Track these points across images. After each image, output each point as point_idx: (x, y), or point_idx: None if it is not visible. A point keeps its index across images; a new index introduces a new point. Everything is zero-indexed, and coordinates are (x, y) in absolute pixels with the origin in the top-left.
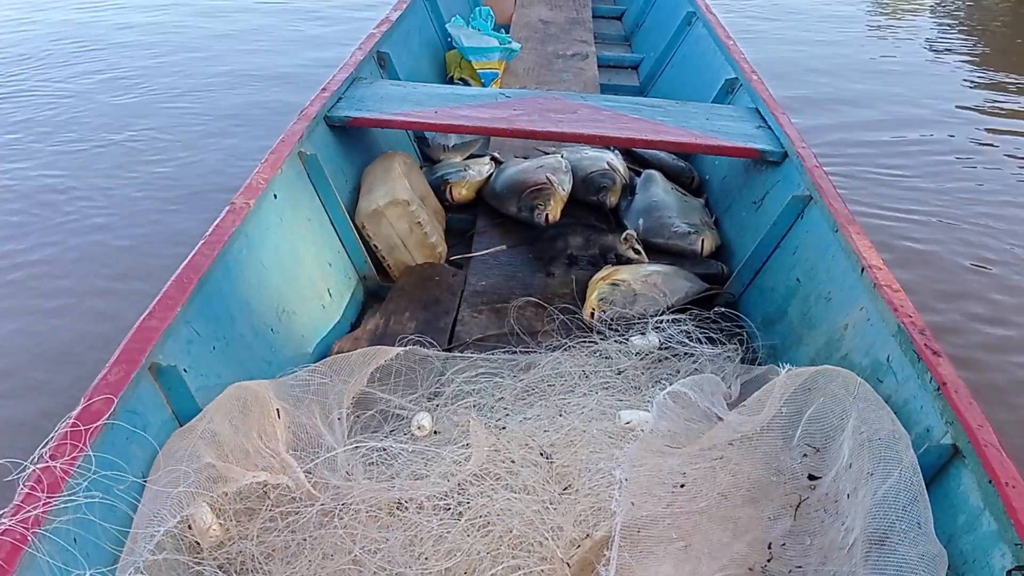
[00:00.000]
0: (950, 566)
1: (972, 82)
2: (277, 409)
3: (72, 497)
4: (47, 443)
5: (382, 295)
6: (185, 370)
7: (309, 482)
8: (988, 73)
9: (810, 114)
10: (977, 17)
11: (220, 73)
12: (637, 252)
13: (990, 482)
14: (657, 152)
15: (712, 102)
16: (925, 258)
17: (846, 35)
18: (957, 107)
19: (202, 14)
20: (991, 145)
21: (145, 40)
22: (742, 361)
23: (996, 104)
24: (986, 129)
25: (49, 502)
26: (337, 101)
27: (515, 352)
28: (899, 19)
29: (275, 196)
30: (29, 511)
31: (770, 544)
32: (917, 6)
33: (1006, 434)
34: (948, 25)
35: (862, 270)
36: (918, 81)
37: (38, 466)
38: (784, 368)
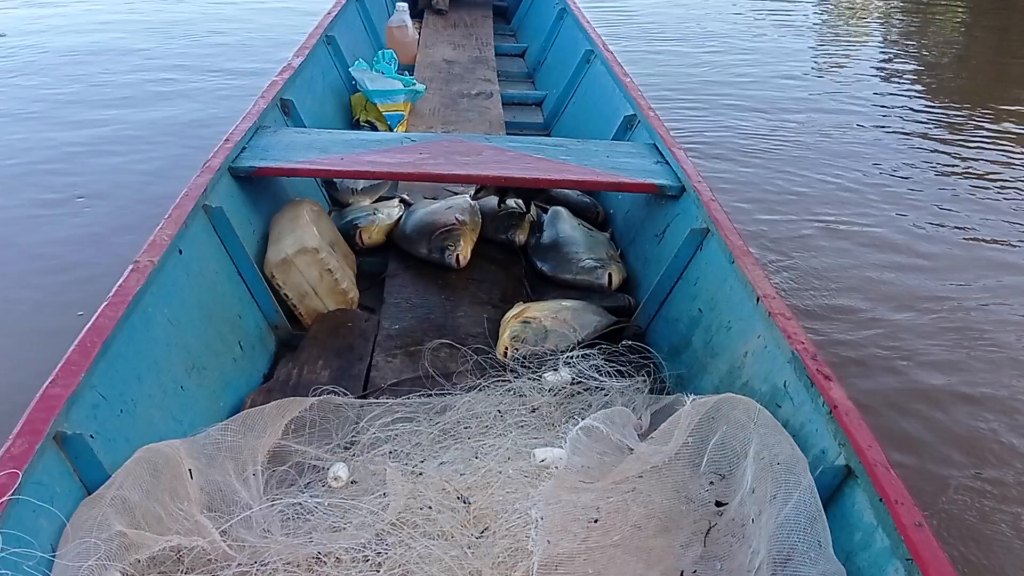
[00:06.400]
0: None
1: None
2: (189, 469)
3: None
4: None
5: (295, 344)
6: (92, 436)
7: (224, 542)
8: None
9: None
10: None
11: None
12: None
13: (880, 500)
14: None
15: (613, 138)
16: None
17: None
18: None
19: None
20: None
21: None
22: (651, 391)
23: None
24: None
25: None
26: (241, 151)
27: (430, 395)
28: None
29: (180, 252)
30: None
31: (682, 572)
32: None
33: None
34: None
35: (757, 299)
36: None
37: None
38: (690, 397)
